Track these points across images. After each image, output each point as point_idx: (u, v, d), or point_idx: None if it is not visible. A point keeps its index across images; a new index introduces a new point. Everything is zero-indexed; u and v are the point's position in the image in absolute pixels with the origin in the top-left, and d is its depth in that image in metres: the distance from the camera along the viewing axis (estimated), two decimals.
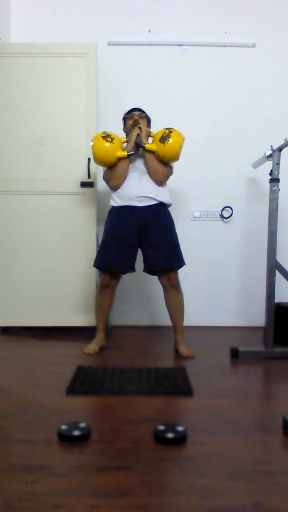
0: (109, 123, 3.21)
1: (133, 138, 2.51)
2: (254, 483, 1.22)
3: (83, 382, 1.98)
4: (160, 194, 2.54)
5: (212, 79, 3.32)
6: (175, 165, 2.68)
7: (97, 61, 2.99)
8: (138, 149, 2.53)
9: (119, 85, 3.29)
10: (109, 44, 3.28)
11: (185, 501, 1.13)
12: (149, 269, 2.58)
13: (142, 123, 2.58)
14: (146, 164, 2.53)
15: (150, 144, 2.53)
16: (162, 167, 2.53)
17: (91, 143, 2.52)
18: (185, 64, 3.31)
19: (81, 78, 2.95)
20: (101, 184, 3.07)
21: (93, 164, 2.95)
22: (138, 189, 2.50)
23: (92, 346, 2.57)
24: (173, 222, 2.62)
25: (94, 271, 2.95)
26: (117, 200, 2.55)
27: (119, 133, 2.71)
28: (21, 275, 2.99)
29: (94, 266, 2.63)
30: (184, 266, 2.60)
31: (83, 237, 2.98)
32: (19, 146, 2.97)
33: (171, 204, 2.64)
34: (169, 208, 2.65)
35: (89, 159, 2.94)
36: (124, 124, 2.68)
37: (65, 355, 2.51)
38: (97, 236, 3.01)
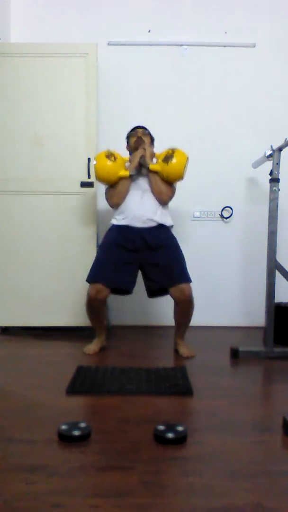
0: (109, 123, 3.22)
1: (137, 159, 2.51)
2: (254, 483, 1.22)
3: (83, 382, 1.98)
4: (161, 215, 2.54)
5: (212, 79, 3.31)
6: None
7: (97, 61, 2.99)
8: (141, 169, 2.54)
9: (119, 85, 3.29)
10: (109, 44, 3.28)
11: (185, 501, 1.13)
12: (156, 288, 2.53)
13: (146, 141, 2.58)
14: (150, 185, 2.52)
15: (154, 164, 2.52)
16: (166, 187, 2.53)
17: (94, 162, 2.53)
18: (185, 64, 3.31)
19: (81, 78, 2.95)
20: (101, 184, 3.07)
21: (93, 164, 2.94)
22: (139, 209, 2.50)
23: (92, 347, 2.57)
24: (177, 242, 2.58)
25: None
26: (118, 218, 2.55)
27: (119, 142, 2.73)
28: (21, 275, 2.99)
29: (87, 281, 2.52)
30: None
31: (83, 237, 2.98)
32: (19, 146, 2.96)
33: (172, 226, 2.62)
34: (169, 208, 2.64)
35: (89, 159, 2.94)
36: (128, 142, 2.67)
37: (65, 355, 2.51)
38: (97, 236, 3.01)
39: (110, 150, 2.55)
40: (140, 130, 2.63)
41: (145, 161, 2.51)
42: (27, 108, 2.96)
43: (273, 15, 3.31)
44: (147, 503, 1.12)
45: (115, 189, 2.53)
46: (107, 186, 2.61)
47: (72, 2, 3.28)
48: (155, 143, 2.69)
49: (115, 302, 3.27)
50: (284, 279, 2.55)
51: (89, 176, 2.96)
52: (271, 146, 2.60)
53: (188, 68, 3.31)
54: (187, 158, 2.50)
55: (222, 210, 3.35)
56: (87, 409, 1.73)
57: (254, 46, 3.31)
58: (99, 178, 2.54)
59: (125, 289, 2.56)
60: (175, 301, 2.51)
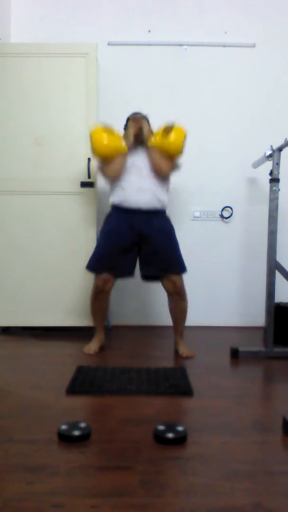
0: (109, 122, 3.21)
1: (131, 134, 2.50)
2: (254, 483, 1.22)
3: (83, 382, 1.98)
4: (159, 194, 2.53)
5: (212, 79, 3.32)
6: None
7: (97, 61, 2.99)
8: (140, 143, 2.52)
9: (119, 85, 3.29)
10: (109, 44, 3.28)
11: (185, 501, 1.13)
12: (150, 274, 2.55)
13: (144, 123, 2.58)
14: (150, 160, 2.50)
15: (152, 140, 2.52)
16: (165, 161, 2.50)
17: (91, 133, 2.49)
18: (185, 64, 3.31)
19: (81, 78, 2.95)
20: (101, 185, 3.07)
21: (93, 164, 2.95)
22: (138, 189, 2.49)
23: (92, 346, 2.57)
24: (173, 228, 2.60)
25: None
26: (117, 195, 2.54)
27: (119, 118, 2.73)
28: (21, 275, 2.99)
29: (87, 268, 2.56)
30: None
31: (83, 237, 2.98)
32: (19, 146, 2.97)
33: (166, 206, 2.62)
34: (169, 208, 2.65)
35: (89, 159, 2.94)
36: (125, 128, 2.66)
37: (65, 355, 2.51)
38: (97, 236, 3.00)
39: (107, 126, 2.52)
40: (138, 117, 2.60)
41: (143, 134, 2.50)
42: (27, 108, 2.96)
43: (273, 15, 3.31)
44: (147, 503, 1.12)
45: (113, 165, 2.49)
46: (100, 162, 2.56)
47: (72, 2, 3.28)
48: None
49: (115, 302, 3.28)
50: (284, 279, 2.55)
51: (89, 176, 2.96)
52: (271, 146, 2.61)
53: (188, 68, 3.31)
54: (185, 133, 2.49)
55: (222, 210, 3.35)
56: (87, 409, 1.73)
57: (254, 46, 3.31)
58: (98, 153, 2.49)
59: (129, 275, 2.59)
60: (167, 293, 2.55)
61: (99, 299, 2.56)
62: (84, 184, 2.96)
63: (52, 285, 2.99)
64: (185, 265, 2.57)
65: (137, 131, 2.51)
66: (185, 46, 3.31)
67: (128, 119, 2.66)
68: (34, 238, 2.99)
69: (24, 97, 2.96)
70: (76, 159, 2.97)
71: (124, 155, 2.50)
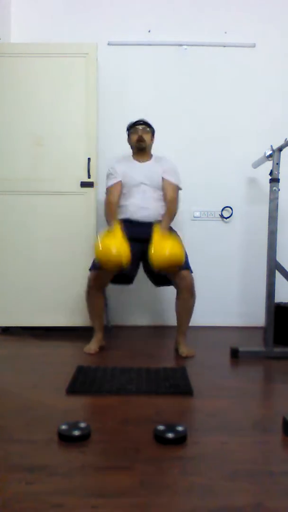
0: (109, 123, 3.22)
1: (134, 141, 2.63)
2: (254, 483, 1.22)
3: (83, 382, 1.98)
4: (162, 207, 2.61)
5: (212, 79, 3.32)
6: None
7: (97, 61, 2.99)
8: (140, 150, 2.66)
9: (119, 85, 3.29)
10: (109, 44, 3.28)
11: (185, 501, 1.13)
12: (161, 276, 2.57)
13: (147, 138, 2.64)
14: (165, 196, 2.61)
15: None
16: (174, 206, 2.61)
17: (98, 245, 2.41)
18: (185, 64, 3.31)
19: (81, 78, 2.95)
20: (101, 184, 3.07)
21: (93, 164, 2.95)
22: (141, 207, 2.56)
23: (93, 346, 2.57)
24: (177, 234, 2.63)
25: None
26: (121, 213, 2.62)
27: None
28: (21, 275, 2.98)
29: (90, 269, 2.56)
30: None
31: (83, 237, 2.98)
32: (19, 146, 2.96)
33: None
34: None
35: (89, 159, 2.94)
36: (128, 135, 2.72)
37: (65, 355, 2.51)
38: (97, 236, 3.00)
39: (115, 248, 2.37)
40: (140, 127, 2.65)
41: (144, 141, 2.64)
42: (27, 108, 2.96)
43: (273, 16, 3.31)
44: (147, 503, 1.12)
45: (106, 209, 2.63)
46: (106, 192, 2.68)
47: (72, 2, 3.28)
48: (156, 134, 2.76)
49: (115, 302, 3.28)
50: (284, 279, 2.55)
51: (89, 176, 2.95)
52: (271, 146, 2.61)
53: (188, 68, 3.31)
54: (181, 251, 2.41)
55: (222, 210, 3.35)
56: (87, 409, 1.73)
57: (254, 46, 3.31)
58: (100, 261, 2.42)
59: (127, 276, 2.59)
60: (177, 290, 2.54)
61: (91, 295, 2.56)
62: (84, 184, 2.96)
63: (52, 285, 2.99)
64: (190, 267, 2.57)
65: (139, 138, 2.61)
66: (185, 46, 3.30)
67: (129, 129, 2.70)
68: (34, 238, 2.98)
69: (24, 97, 2.96)
70: (76, 159, 2.97)
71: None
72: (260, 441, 1.48)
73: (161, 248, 2.36)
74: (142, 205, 2.58)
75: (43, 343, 2.78)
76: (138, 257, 2.56)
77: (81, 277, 2.97)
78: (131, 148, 2.73)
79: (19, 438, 1.47)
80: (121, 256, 2.33)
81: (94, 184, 2.96)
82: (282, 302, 3.02)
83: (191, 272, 2.56)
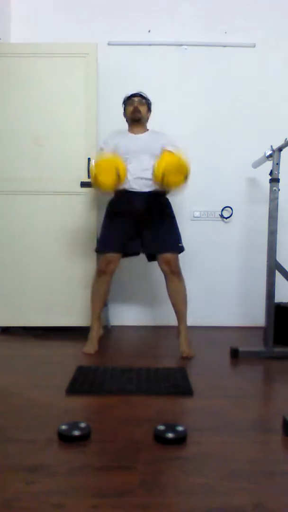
0: (109, 123, 3.21)
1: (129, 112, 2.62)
2: (254, 483, 1.22)
3: (83, 382, 1.98)
4: None
5: (212, 79, 3.31)
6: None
7: (97, 61, 2.99)
8: (138, 121, 2.65)
9: (119, 85, 3.28)
10: (109, 44, 3.28)
11: (185, 501, 1.13)
12: (149, 253, 2.61)
13: (142, 109, 2.63)
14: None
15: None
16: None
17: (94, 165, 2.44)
18: (185, 64, 3.31)
19: (81, 78, 2.95)
20: None
21: (93, 164, 2.95)
22: (138, 171, 2.52)
23: (92, 346, 2.57)
24: (172, 210, 2.64)
25: (94, 271, 2.94)
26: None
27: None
28: (21, 275, 2.98)
29: (96, 251, 2.68)
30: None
31: (83, 237, 2.98)
32: (19, 146, 2.96)
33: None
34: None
35: (89, 159, 2.93)
36: (124, 109, 2.71)
37: (65, 355, 2.51)
38: (97, 236, 3.00)
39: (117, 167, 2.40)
40: (136, 98, 2.65)
41: (140, 113, 2.61)
42: (27, 108, 2.96)
43: (273, 15, 3.30)
44: (147, 503, 1.12)
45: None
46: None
47: (72, 2, 3.28)
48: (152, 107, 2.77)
49: (115, 302, 3.28)
50: (284, 279, 2.55)
51: (89, 176, 2.95)
52: (271, 146, 2.60)
53: (188, 68, 3.31)
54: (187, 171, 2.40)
55: (222, 210, 3.35)
56: (87, 409, 1.73)
57: (254, 46, 3.31)
58: (99, 188, 2.46)
59: (133, 252, 2.63)
60: (164, 275, 2.58)
61: (100, 282, 2.59)
62: (84, 184, 2.95)
63: (52, 285, 2.99)
64: (183, 245, 2.60)
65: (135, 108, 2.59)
66: (185, 46, 3.30)
67: (125, 101, 2.70)
68: (34, 238, 2.98)
69: (24, 97, 2.96)
70: (76, 159, 2.97)
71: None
72: (260, 441, 1.48)
73: (165, 157, 2.43)
74: (139, 174, 2.52)
75: (43, 343, 2.78)
76: (136, 229, 2.56)
77: (81, 277, 2.97)
78: (126, 121, 2.70)
79: (19, 438, 1.47)
80: (117, 164, 2.38)
81: None
82: (282, 302, 3.02)
83: (181, 250, 2.58)
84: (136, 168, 2.53)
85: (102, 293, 2.63)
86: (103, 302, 2.68)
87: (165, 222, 2.58)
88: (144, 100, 2.67)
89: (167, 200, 2.64)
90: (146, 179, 2.52)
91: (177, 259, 2.56)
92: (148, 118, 2.73)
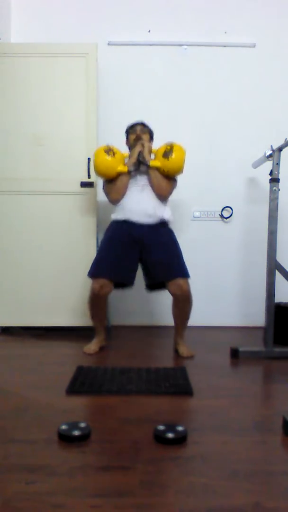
0: (109, 123, 3.22)
1: (135, 154, 2.52)
2: (254, 483, 1.22)
3: (83, 382, 1.98)
4: (160, 210, 2.55)
5: (212, 79, 3.32)
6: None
7: (97, 61, 2.99)
8: (139, 166, 2.55)
9: (119, 85, 3.29)
10: (109, 44, 3.28)
11: (185, 501, 1.13)
12: (155, 282, 2.55)
13: (145, 138, 2.60)
14: (150, 180, 2.53)
15: (153, 160, 2.53)
16: (166, 182, 2.55)
17: (94, 153, 2.55)
18: (185, 64, 3.31)
19: (81, 78, 2.95)
20: (101, 184, 3.07)
21: (93, 164, 2.94)
22: (139, 204, 2.51)
23: (92, 346, 2.57)
24: (176, 239, 2.60)
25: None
26: (118, 213, 2.57)
27: (120, 142, 2.74)
28: (21, 275, 2.99)
29: (88, 275, 2.54)
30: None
31: (83, 237, 2.98)
32: (19, 146, 2.97)
33: (171, 221, 2.63)
34: (168, 202, 2.65)
35: (89, 159, 2.94)
36: (127, 137, 2.69)
37: (65, 355, 2.51)
38: (97, 236, 3.01)
39: (109, 145, 2.57)
40: (139, 127, 2.64)
41: (144, 157, 2.52)
42: (27, 108, 2.96)
43: (273, 15, 3.31)
44: (147, 503, 1.12)
45: (114, 185, 2.55)
46: (104, 181, 2.62)
47: (72, 2, 3.28)
48: (155, 137, 2.72)
49: (115, 302, 3.28)
50: (284, 279, 2.55)
51: (89, 176, 2.96)
52: (271, 146, 2.61)
53: (188, 68, 3.31)
54: (185, 152, 2.54)
55: (222, 210, 3.35)
56: (87, 409, 1.73)
57: (254, 46, 3.31)
58: (99, 173, 2.55)
59: (127, 283, 2.58)
60: (173, 297, 2.52)
61: (96, 304, 2.53)
62: (84, 184, 2.96)
63: (52, 285, 2.99)
64: (188, 272, 2.54)
65: (139, 154, 2.53)
66: (185, 46, 3.31)
67: (128, 131, 2.67)
68: (34, 238, 2.98)
69: (24, 97, 2.96)
70: (76, 159, 2.97)
71: (126, 175, 2.52)
72: (260, 441, 1.48)
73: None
74: (140, 204, 2.52)
75: (43, 343, 2.78)
76: (136, 259, 2.54)
77: (81, 277, 2.97)
78: (129, 149, 2.67)
79: (19, 438, 1.47)
80: (110, 147, 2.53)
81: (94, 184, 2.96)
82: (282, 302, 3.02)
83: (188, 277, 2.52)
84: (136, 198, 2.52)
85: (102, 312, 2.60)
86: (104, 319, 2.65)
87: (170, 250, 2.52)
88: (146, 129, 2.64)
89: (169, 229, 2.61)
90: (146, 209, 2.51)
91: (188, 284, 2.50)
92: (150, 149, 2.64)
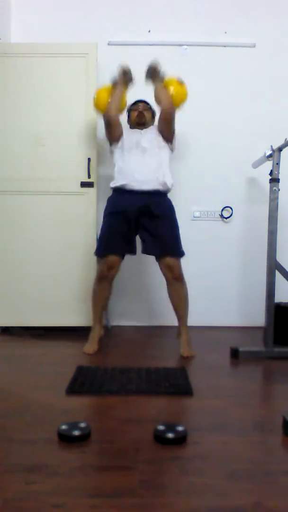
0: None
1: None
2: (254, 483, 1.22)
3: (83, 382, 1.98)
4: (162, 174, 2.53)
5: (212, 79, 3.31)
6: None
7: (97, 61, 2.99)
8: (141, 124, 2.62)
9: None
10: (109, 44, 3.28)
11: (185, 501, 1.13)
12: (148, 253, 2.58)
13: (147, 115, 2.62)
14: (156, 93, 2.58)
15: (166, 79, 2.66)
16: (168, 98, 2.58)
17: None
18: (185, 64, 3.31)
19: (81, 78, 2.95)
20: (101, 184, 3.07)
21: (93, 164, 2.95)
22: (140, 168, 2.49)
23: (92, 346, 2.57)
24: (174, 212, 2.61)
25: (94, 271, 2.94)
26: (118, 178, 2.54)
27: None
28: (21, 275, 2.99)
29: (95, 254, 2.62)
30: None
31: (82, 237, 2.98)
32: (19, 146, 2.97)
33: (170, 189, 2.61)
34: (171, 174, 2.65)
35: (89, 159, 2.94)
36: (129, 116, 2.70)
37: (65, 355, 2.51)
38: (97, 236, 3.00)
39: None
40: (141, 104, 2.65)
41: (127, 66, 2.67)
42: (27, 108, 2.96)
43: (273, 15, 3.30)
44: (147, 503, 1.12)
45: (111, 101, 2.60)
46: (105, 124, 2.64)
47: (72, 2, 3.28)
48: None
49: (115, 302, 3.28)
50: (284, 279, 2.55)
51: (89, 176, 2.96)
52: (271, 146, 2.61)
53: (188, 68, 3.31)
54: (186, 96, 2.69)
55: (222, 210, 3.35)
56: (87, 409, 1.73)
57: (254, 46, 3.31)
58: (97, 107, 2.66)
59: (132, 253, 2.61)
60: (166, 280, 2.54)
61: (102, 285, 2.56)
62: (84, 184, 2.96)
63: (52, 285, 2.99)
64: (183, 250, 2.57)
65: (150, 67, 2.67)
66: (185, 46, 3.30)
67: (132, 105, 2.70)
68: (34, 238, 2.98)
69: (24, 97, 2.96)
70: (76, 159, 2.97)
71: (116, 87, 2.61)
72: (260, 441, 1.48)
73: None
74: (140, 167, 2.49)
75: (43, 343, 2.78)
76: (137, 232, 2.55)
77: (81, 277, 2.97)
78: (130, 127, 2.67)
79: (19, 438, 1.47)
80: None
81: (94, 184, 2.96)
82: (282, 302, 3.02)
83: (181, 255, 2.54)
84: (138, 160, 2.50)
85: (104, 297, 2.62)
86: (104, 305, 2.67)
87: (166, 226, 2.53)
88: (148, 106, 2.67)
89: (169, 201, 2.62)
90: (145, 174, 2.49)
91: (179, 264, 2.52)
92: (152, 124, 2.70)
